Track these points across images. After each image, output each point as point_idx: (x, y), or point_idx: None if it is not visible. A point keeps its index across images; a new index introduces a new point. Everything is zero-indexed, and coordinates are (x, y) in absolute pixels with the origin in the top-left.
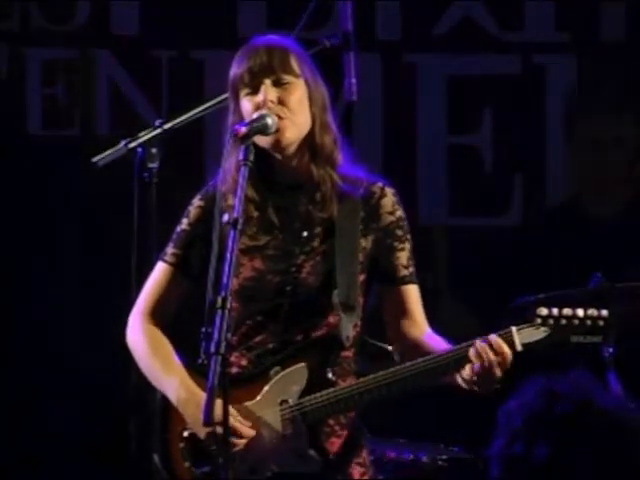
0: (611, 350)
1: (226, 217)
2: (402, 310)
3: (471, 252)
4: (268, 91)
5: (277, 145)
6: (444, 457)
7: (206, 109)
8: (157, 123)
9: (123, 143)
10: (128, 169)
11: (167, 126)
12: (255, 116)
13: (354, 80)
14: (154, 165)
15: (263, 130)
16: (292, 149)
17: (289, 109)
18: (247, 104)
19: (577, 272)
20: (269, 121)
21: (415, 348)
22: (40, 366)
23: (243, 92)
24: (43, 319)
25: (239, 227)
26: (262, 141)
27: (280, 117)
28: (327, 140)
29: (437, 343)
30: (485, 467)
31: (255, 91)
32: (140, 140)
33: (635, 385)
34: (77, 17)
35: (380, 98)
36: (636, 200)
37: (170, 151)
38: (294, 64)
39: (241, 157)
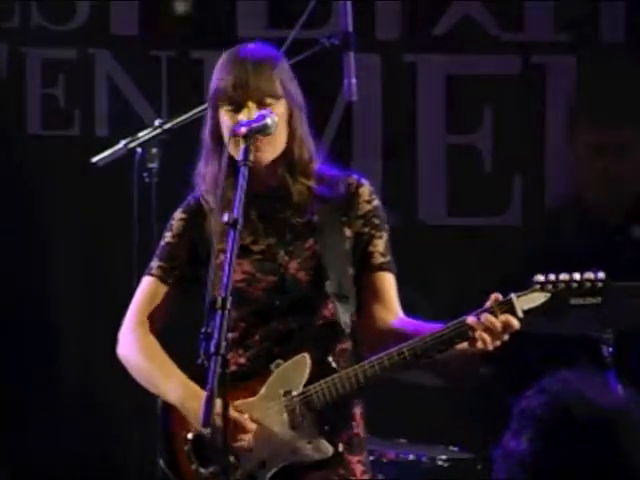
0: (611, 350)
1: (225, 217)
2: (376, 296)
3: (471, 252)
4: (252, 114)
5: (255, 164)
6: (444, 457)
7: (206, 109)
8: (157, 123)
9: (123, 143)
10: (128, 169)
11: (167, 126)
12: (255, 116)
13: (354, 80)
14: (154, 165)
15: (263, 130)
16: (267, 164)
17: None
18: (228, 120)
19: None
20: (269, 121)
21: (388, 332)
22: (38, 368)
23: (225, 107)
24: (42, 319)
25: (239, 227)
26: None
27: (259, 139)
28: (304, 154)
29: (413, 325)
30: (485, 467)
31: (237, 109)
32: (140, 140)
33: (635, 385)
34: (77, 17)
35: (380, 98)
36: (636, 200)
37: (170, 151)
38: (277, 85)
39: (241, 157)
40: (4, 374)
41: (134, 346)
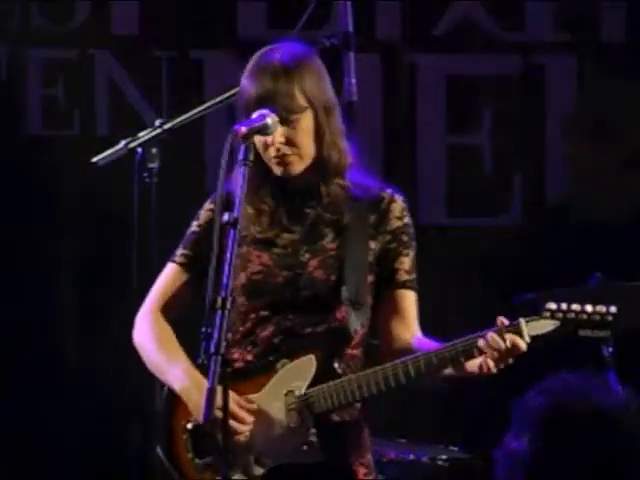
0: (611, 350)
1: (226, 217)
2: (397, 313)
3: (471, 252)
4: (276, 134)
5: (285, 176)
6: (444, 457)
7: (206, 109)
8: (157, 123)
9: (123, 143)
10: (128, 169)
11: (167, 126)
12: (255, 116)
13: (354, 80)
14: (154, 165)
15: (263, 130)
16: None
17: (297, 146)
18: (257, 137)
19: (577, 272)
20: (269, 121)
21: (405, 350)
22: (39, 368)
23: None
24: (42, 319)
25: (239, 227)
26: (273, 169)
27: (287, 154)
28: (334, 155)
29: (430, 345)
30: (485, 467)
31: None
32: (140, 140)
33: (635, 385)
34: (77, 17)
35: (380, 98)
36: (636, 200)
37: (170, 151)
38: (300, 98)
39: (241, 157)
40: (5, 375)
41: (148, 333)
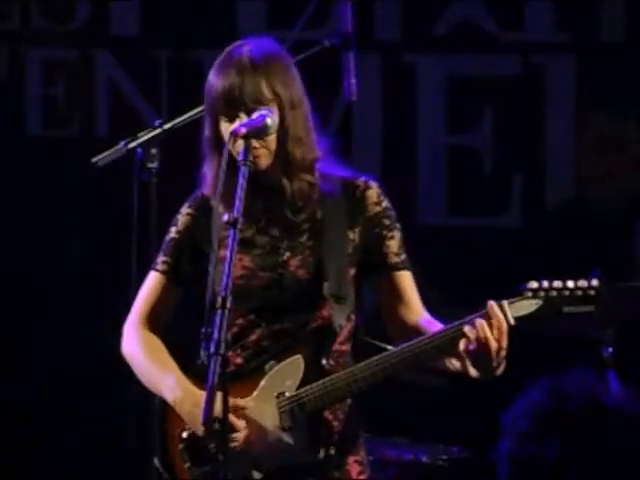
0: (611, 350)
1: (226, 217)
2: (397, 296)
3: (471, 252)
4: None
5: (253, 170)
6: (444, 457)
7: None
8: (157, 123)
9: (123, 143)
10: (128, 169)
11: (167, 126)
12: (255, 116)
13: (354, 80)
14: (154, 165)
15: (264, 130)
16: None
17: (263, 139)
18: (226, 131)
19: (577, 272)
20: (269, 121)
21: (414, 333)
22: (39, 366)
23: (220, 117)
24: (42, 319)
25: (239, 226)
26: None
27: (255, 147)
28: (299, 152)
29: (436, 327)
30: (485, 467)
31: (231, 119)
32: (140, 140)
33: (635, 385)
34: (77, 17)
35: (380, 98)
36: (636, 200)
37: (170, 151)
38: (266, 90)
39: (241, 157)
40: (6, 376)
41: (136, 343)
